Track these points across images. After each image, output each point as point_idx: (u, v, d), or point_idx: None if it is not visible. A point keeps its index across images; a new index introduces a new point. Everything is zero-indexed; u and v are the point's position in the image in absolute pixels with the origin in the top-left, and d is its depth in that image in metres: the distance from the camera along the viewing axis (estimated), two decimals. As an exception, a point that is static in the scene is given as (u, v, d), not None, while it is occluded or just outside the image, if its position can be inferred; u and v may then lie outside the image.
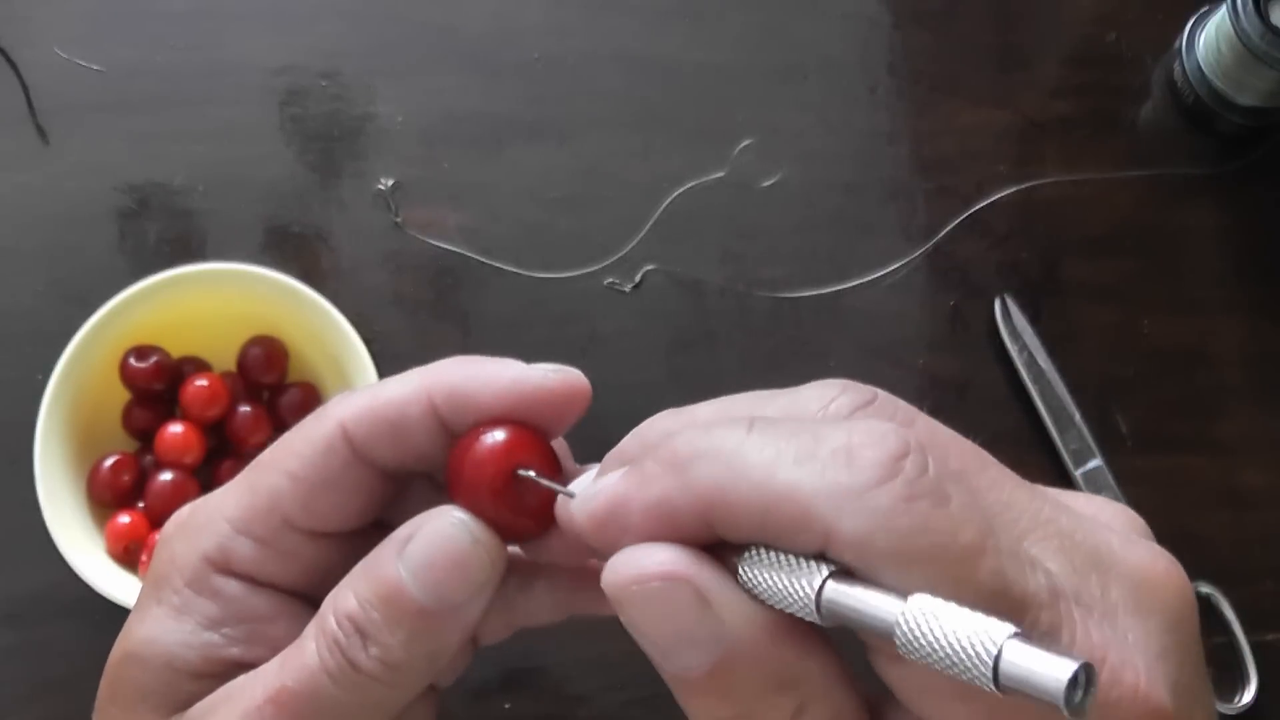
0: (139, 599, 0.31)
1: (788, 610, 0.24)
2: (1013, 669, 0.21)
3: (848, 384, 0.27)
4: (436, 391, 0.30)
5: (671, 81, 0.64)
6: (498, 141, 0.63)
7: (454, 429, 0.30)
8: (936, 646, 0.22)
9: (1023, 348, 0.61)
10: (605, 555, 0.26)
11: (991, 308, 0.62)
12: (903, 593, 0.23)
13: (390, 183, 0.62)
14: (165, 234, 0.61)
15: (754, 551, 0.25)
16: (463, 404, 0.30)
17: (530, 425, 0.31)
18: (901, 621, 0.22)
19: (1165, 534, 0.66)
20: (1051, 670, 0.20)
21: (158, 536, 0.33)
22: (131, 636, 0.31)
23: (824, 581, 0.23)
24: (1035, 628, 0.23)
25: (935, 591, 0.22)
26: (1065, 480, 0.60)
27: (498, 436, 0.30)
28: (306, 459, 0.30)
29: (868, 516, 0.23)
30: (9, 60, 0.63)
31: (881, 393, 0.27)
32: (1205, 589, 0.59)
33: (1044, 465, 0.60)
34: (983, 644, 0.21)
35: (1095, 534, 0.26)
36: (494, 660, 0.57)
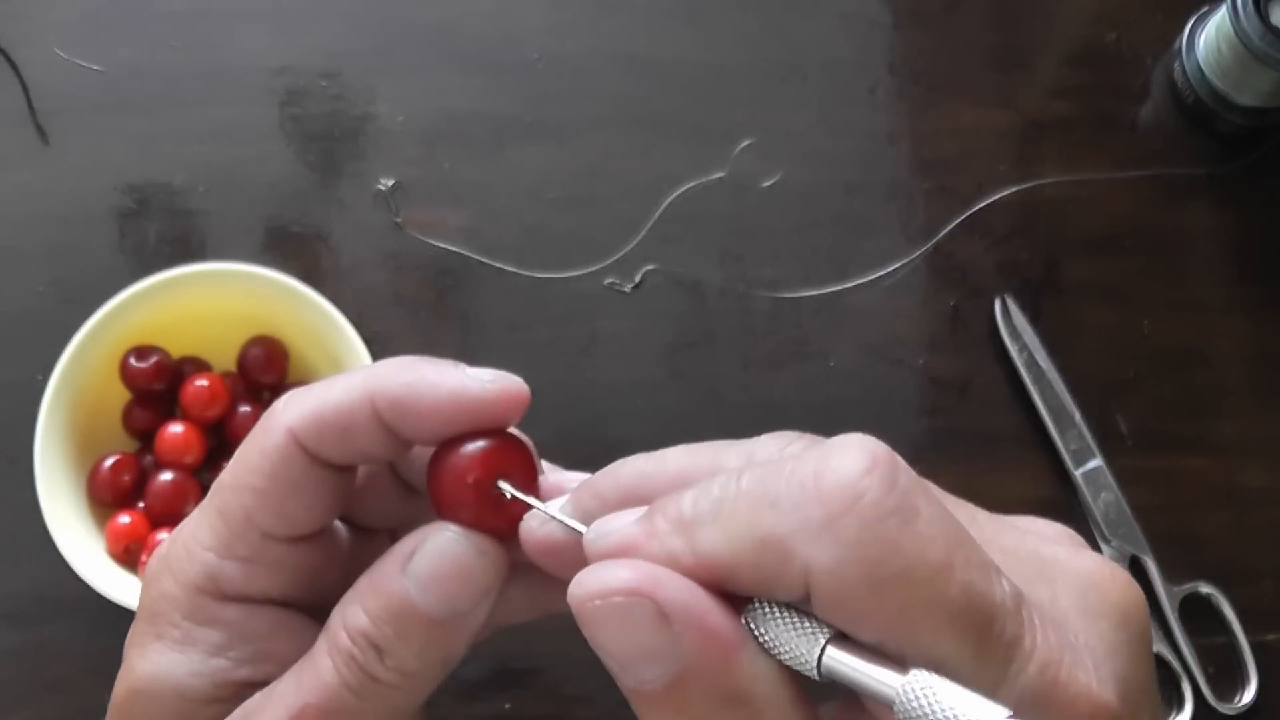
0: (134, 637, 0.32)
1: (789, 665, 0.26)
2: None
3: (802, 435, 0.28)
4: (380, 401, 0.31)
5: (671, 81, 0.64)
6: (498, 141, 0.63)
7: (400, 435, 0.31)
8: (934, 716, 0.23)
9: (1023, 348, 0.61)
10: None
11: (991, 308, 0.62)
12: (900, 664, 0.24)
13: (390, 183, 0.62)
14: (165, 234, 0.61)
15: (757, 605, 0.26)
16: (405, 415, 0.31)
17: (508, 434, 0.32)
18: (900, 695, 0.24)
19: (1165, 534, 0.66)
20: None
21: (143, 575, 0.33)
22: (136, 673, 0.32)
23: (824, 647, 0.25)
24: (1001, 637, 0.24)
25: (909, 615, 0.24)
26: (1065, 480, 0.60)
27: (477, 447, 0.31)
28: (267, 472, 0.31)
29: (838, 548, 0.24)
30: (9, 60, 0.63)
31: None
32: (1205, 589, 0.59)
33: (1044, 465, 0.60)
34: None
35: (1039, 547, 0.27)
36: (494, 660, 0.57)
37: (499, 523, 0.31)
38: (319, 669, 0.30)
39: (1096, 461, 0.60)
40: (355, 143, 0.63)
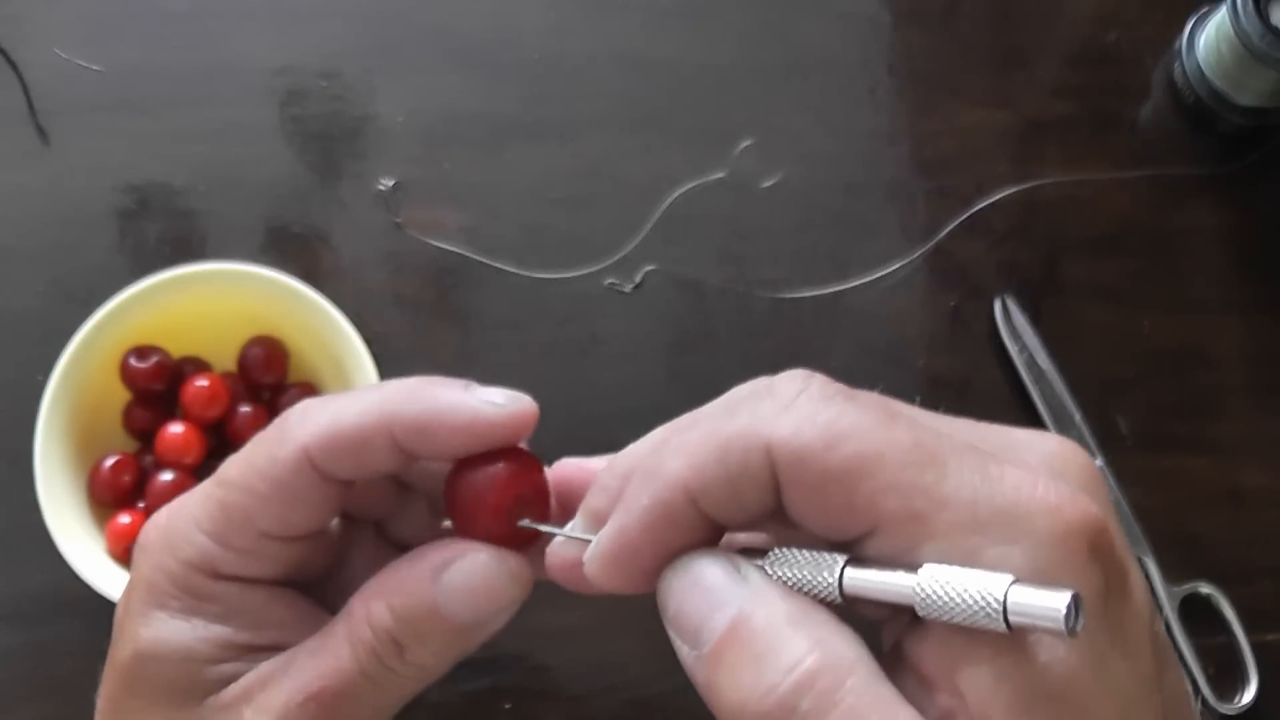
0: (131, 605, 0.34)
1: (812, 594, 0.28)
2: (1019, 609, 0.24)
3: (764, 378, 0.31)
4: (396, 426, 0.32)
5: (671, 81, 0.64)
6: (498, 141, 0.63)
7: (414, 455, 0.33)
8: (952, 604, 0.25)
9: (1023, 348, 0.61)
10: (629, 590, 0.30)
11: (991, 308, 0.62)
12: (911, 566, 0.26)
13: (390, 183, 0.62)
14: (165, 234, 0.61)
15: (776, 552, 0.28)
16: (422, 440, 0.33)
17: (522, 453, 0.34)
18: (918, 590, 0.25)
19: (1165, 534, 0.66)
20: (1051, 603, 0.24)
21: (138, 543, 0.34)
22: (140, 638, 0.33)
23: (843, 569, 0.27)
24: (962, 467, 0.26)
25: (863, 459, 0.26)
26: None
27: (495, 472, 0.33)
28: (274, 480, 0.32)
29: (794, 419, 0.27)
30: (9, 60, 0.63)
31: None
32: (1205, 589, 0.59)
33: (1044, 465, 0.60)
34: (990, 595, 0.24)
35: (1003, 431, 0.30)
36: (495, 660, 0.57)
37: (517, 540, 0.33)
38: (338, 655, 0.32)
39: (1096, 462, 0.60)
40: (355, 143, 0.63)
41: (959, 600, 0.25)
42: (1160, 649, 0.27)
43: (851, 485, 0.26)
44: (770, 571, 0.28)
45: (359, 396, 0.33)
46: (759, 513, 0.28)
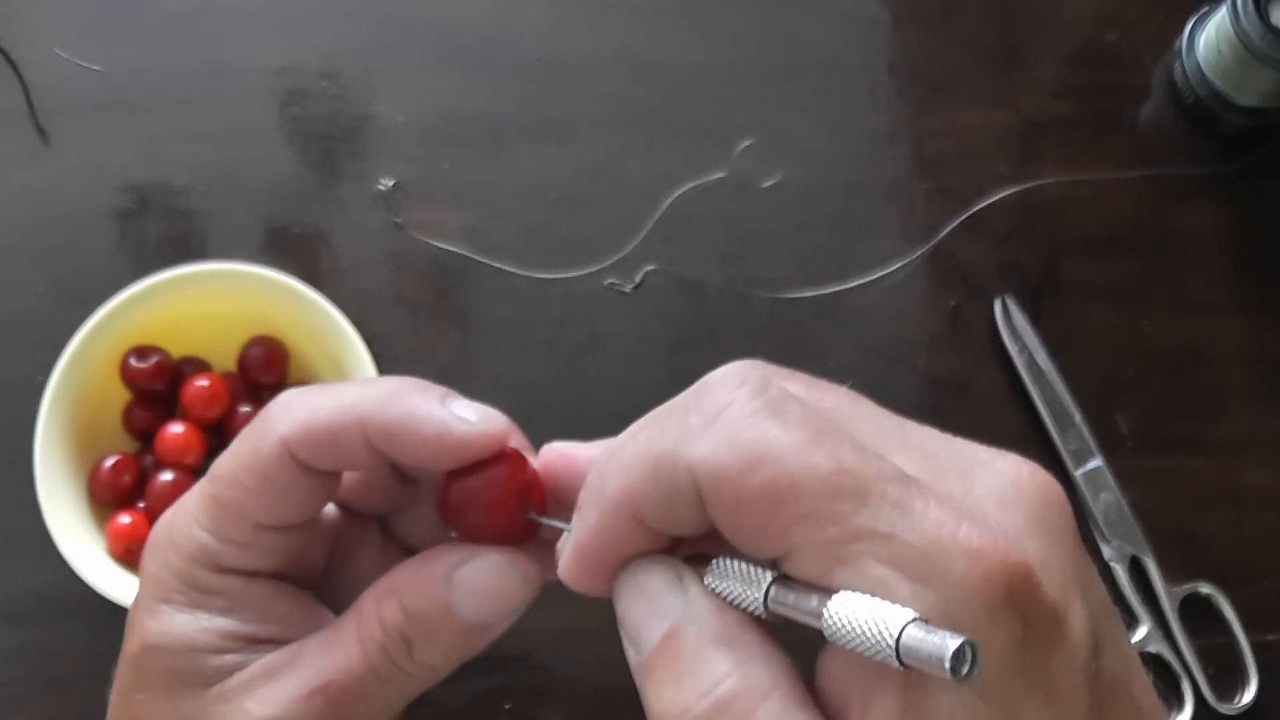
0: (141, 601, 0.35)
1: (743, 609, 0.28)
2: (910, 650, 0.24)
3: (701, 380, 0.30)
4: (368, 427, 0.33)
5: (671, 81, 0.64)
6: (498, 141, 0.63)
7: (386, 457, 0.34)
8: (853, 634, 0.25)
9: (1023, 348, 0.61)
10: (594, 592, 0.30)
11: (991, 308, 0.62)
12: (829, 590, 0.26)
13: (390, 183, 0.62)
14: (165, 234, 0.61)
15: (716, 563, 0.28)
16: (393, 446, 0.33)
17: (519, 455, 0.34)
18: (826, 614, 0.25)
19: (1165, 534, 0.66)
20: (937, 650, 0.23)
21: (147, 542, 0.36)
22: (149, 631, 0.34)
23: (769, 587, 0.27)
24: (885, 497, 0.25)
25: (778, 485, 0.25)
26: (1065, 480, 0.60)
27: (491, 476, 0.33)
28: (259, 474, 0.33)
29: (714, 441, 0.26)
30: (9, 60, 0.63)
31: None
32: (1205, 589, 0.59)
33: (1044, 465, 0.60)
34: (887, 628, 0.24)
35: (963, 450, 0.28)
36: (495, 661, 0.57)
37: (516, 539, 0.34)
38: (347, 650, 0.33)
39: (1096, 461, 0.60)
40: (355, 143, 0.63)
41: (859, 631, 0.24)
42: (1105, 689, 0.26)
43: (767, 511, 0.26)
44: (709, 583, 0.28)
45: (338, 392, 0.34)
46: (702, 526, 0.28)
